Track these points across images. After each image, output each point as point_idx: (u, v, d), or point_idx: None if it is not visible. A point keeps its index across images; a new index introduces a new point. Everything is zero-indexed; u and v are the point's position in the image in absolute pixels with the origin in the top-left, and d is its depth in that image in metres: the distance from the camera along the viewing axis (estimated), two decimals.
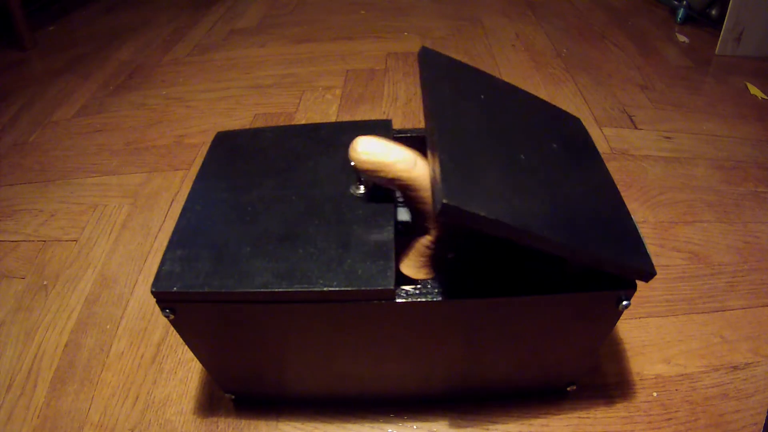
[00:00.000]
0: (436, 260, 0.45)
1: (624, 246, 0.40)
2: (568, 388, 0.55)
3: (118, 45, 1.40)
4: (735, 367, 0.59)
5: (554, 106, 0.54)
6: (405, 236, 0.46)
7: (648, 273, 0.40)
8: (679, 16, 1.38)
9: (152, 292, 0.41)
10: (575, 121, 0.53)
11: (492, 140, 0.42)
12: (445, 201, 0.33)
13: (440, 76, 0.47)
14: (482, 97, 0.47)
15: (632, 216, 0.44)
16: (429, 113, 0.41)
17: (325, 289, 0.39)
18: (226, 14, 1.54)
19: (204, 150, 0.93)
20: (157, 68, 1.27)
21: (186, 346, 0.51)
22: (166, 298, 0.42)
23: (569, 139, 0.49)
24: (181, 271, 0.41)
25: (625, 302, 0.42)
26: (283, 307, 0.42)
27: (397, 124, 0.70)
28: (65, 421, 0.57)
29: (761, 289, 0.68)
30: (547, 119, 0.51)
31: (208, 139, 0.57)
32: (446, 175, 0.35)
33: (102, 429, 0.56)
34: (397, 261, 0.44)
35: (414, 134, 0.55)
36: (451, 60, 0.50)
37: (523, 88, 0.53)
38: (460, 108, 0.43)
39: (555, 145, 0.46)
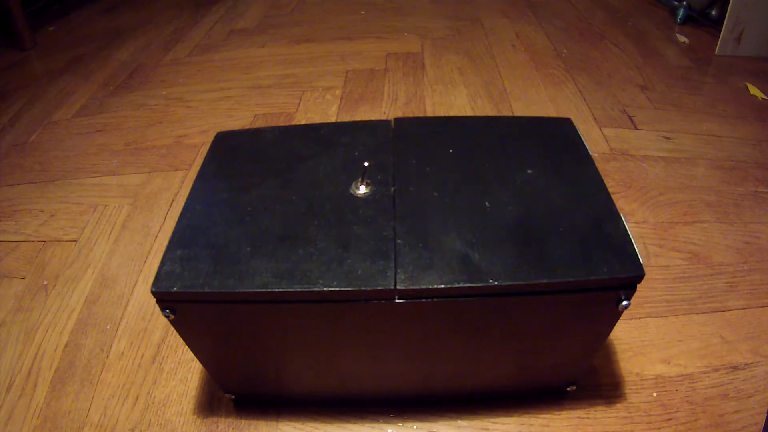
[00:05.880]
0: None
1: (606, 255, 0.41)
2: (568, 388, 0.55)
3: (118, 45, 1.40)
4: (735, 368, 0.59)
5: (539, 118, 0.55)
6: None
7: (635, 276, 0.40)
8: (679, 16, 1.38)
9: (152, 292, 0.41)
10: (563, 126, 0.54)
11: (455, 199, 0.46)
12: (399, 288, 0.39)
13: (409, 145, 0.51)
14: (451, 151, 0.51)
15: (630, 217, 0.44)
16: (394, 191, 0.47)
17: (325, 289, 0.39)
18: (226, 14, 1.54)
19: (204, 150, 0.93)
20: (157, 68, 1.27)
21: (186, 346, 0.51)
22: (166, 298, 0.42)
23: (551, 152, 0.51)
24: (181, 271, 0.41)
25: (624, 302, 0.42)
26: (283, 307, 0.42)
27: None
28: (65, 421, 0.57)
29: (761, 289, 0.68)
30: (527, 140, 0.52)
31: (208, 139, 0.57)
32: (402, 260, 0.41)
33: (102, 429, 0.56)
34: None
35: None
36: (424, 121, 0.55)
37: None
38: (425, 175, 0.48)
39: (530, 171, 0.48)
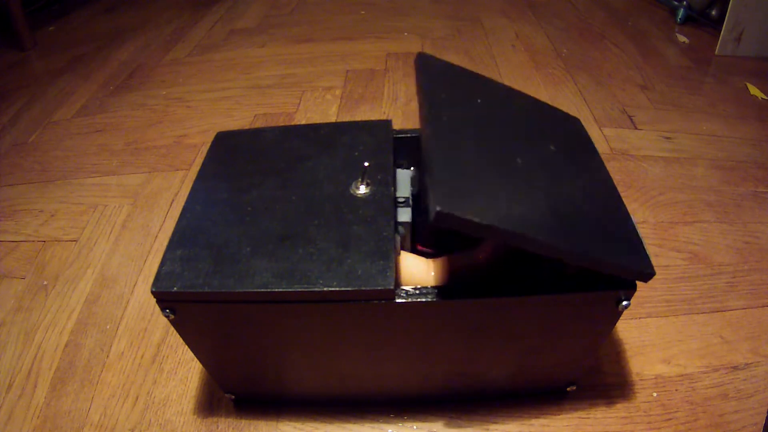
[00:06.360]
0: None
1: (622, 246, 0.40)
2: (568, 389, 0.55)
3: (118, 45, 1.40)
4: (735, 367, 0.59)
5: (553, 107, 0.54)
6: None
7: (646, 273, 0.40)
8: (679, 16, 1.38)
9: (152, 292, 0.41)
10: (574, 122, 0.53)
11: (488, 145, 0.42)
12: (438, 209, 0.34)
13: (437, 81, 0.47)
14: (479, 101, 0.47)
15: (632, 216, 0.44)
16: (424, 119, 0.41)
17: (325, 289, 0.39)
18: (226, 14, 1.54)
19: (204, 150, 0.93)
20: (157, 68, 1.27)
21: (186, 346, 0.51)
22: (166, 298, 0.42)
23: (568, 140, 0.49)
24: (181, 271, 0.41)
25: (624, 302, 0.42)
26: (283, 307, 0.42)
27: (397, 125, 0.70)
28: (65, 421, 0.57)
29: (761, 289, 0.68)
30: (546, 121, 0.51)
31: (208, 139, 0.57)
32: (439, 183, 0.36)
33: (102, 429, 0.56)
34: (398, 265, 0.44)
35: (414, 134, 0.55)
36: (449, 65, 0.50)
37: (523, 88, 0.53)
38: (455, 113, 0.44)
39: (553, 147, 0.46)
